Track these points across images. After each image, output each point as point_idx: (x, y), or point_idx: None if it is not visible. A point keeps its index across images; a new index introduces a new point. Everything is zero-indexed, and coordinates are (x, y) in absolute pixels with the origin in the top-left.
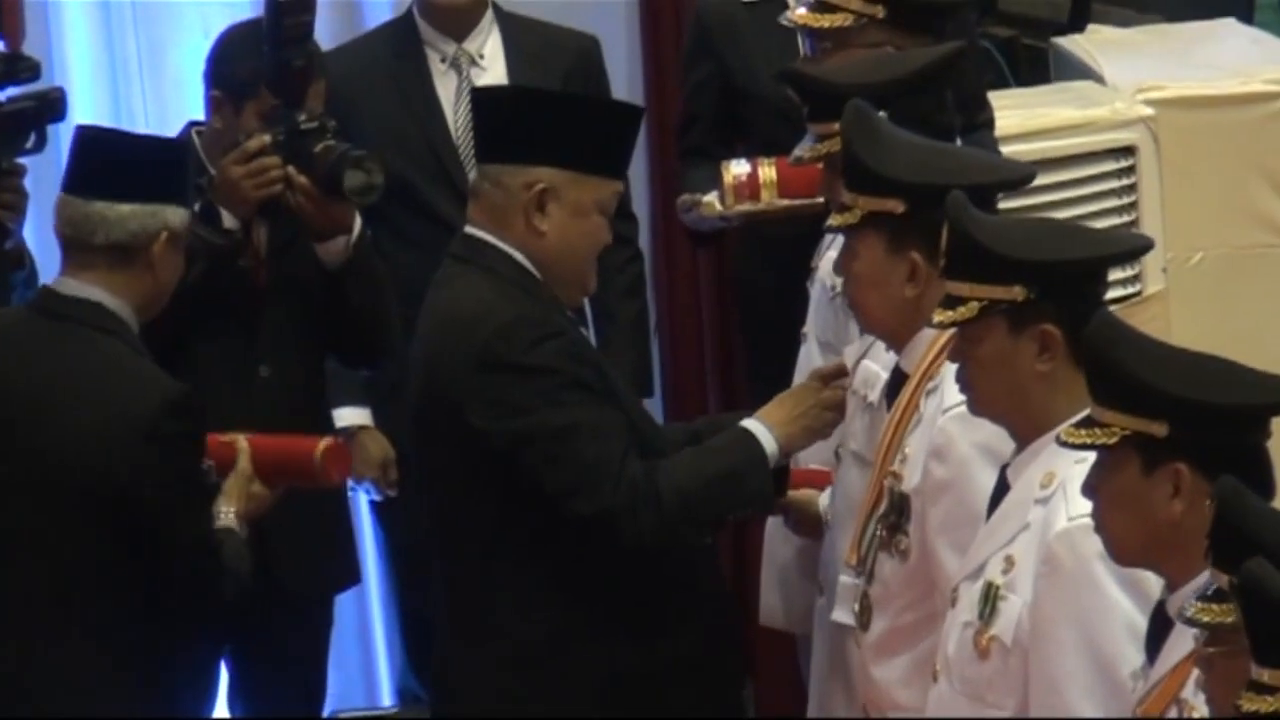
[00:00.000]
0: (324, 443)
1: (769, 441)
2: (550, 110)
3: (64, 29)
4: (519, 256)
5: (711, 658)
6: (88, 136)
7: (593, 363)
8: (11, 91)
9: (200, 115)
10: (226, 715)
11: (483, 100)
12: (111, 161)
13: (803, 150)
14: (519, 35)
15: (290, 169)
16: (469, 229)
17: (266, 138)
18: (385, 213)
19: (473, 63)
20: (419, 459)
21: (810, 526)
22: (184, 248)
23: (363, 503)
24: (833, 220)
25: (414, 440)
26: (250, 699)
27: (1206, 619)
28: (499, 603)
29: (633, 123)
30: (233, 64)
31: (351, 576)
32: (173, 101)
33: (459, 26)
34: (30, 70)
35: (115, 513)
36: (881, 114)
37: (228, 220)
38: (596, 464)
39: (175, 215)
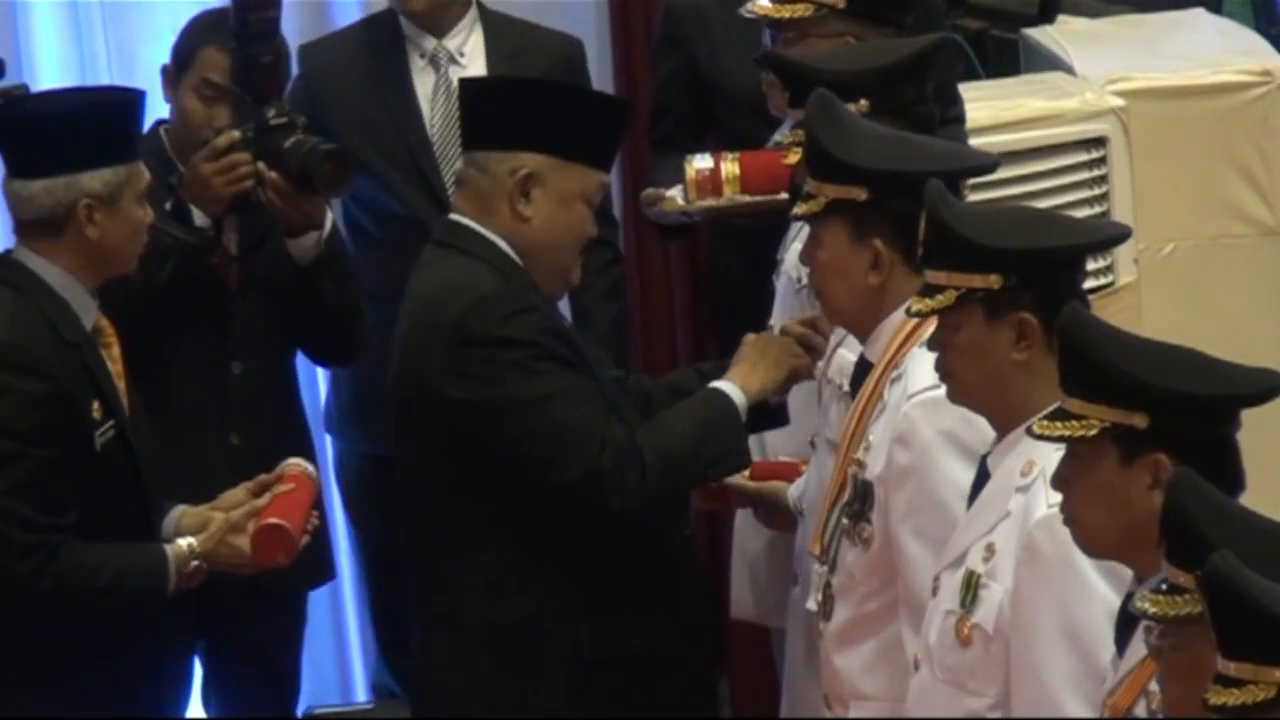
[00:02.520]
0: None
1: (736, 393)
2: (537, 97)
3: (32, 27)
4: (502, 244)
5: (684, 646)
6: (4, 115)
7: (567, 337)
8: None
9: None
10: (200, 714)
11: (470, 89)
12: (22, 138)
13: (782, 135)
14: (501, 34)
15: (260, 165)
16: (453, 216)
17: (236, 133)
18: (357, 209)
19: (452, 60)
20: (395, 446)
21: (780, 519)
22: (131, 203)
23: (335, 500)
24: (797, 209)
25: (390, 427)
26: (224, 696)
27: (1154, 610)
28: (469, 586)
29: (620, 115)
30: (183, 36)
31: (326, 572)
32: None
33: (438, 23)
34: None
35: None
36: (863, 102)
37: (198, 218)
38: (578, 429)
39: (94, 180)
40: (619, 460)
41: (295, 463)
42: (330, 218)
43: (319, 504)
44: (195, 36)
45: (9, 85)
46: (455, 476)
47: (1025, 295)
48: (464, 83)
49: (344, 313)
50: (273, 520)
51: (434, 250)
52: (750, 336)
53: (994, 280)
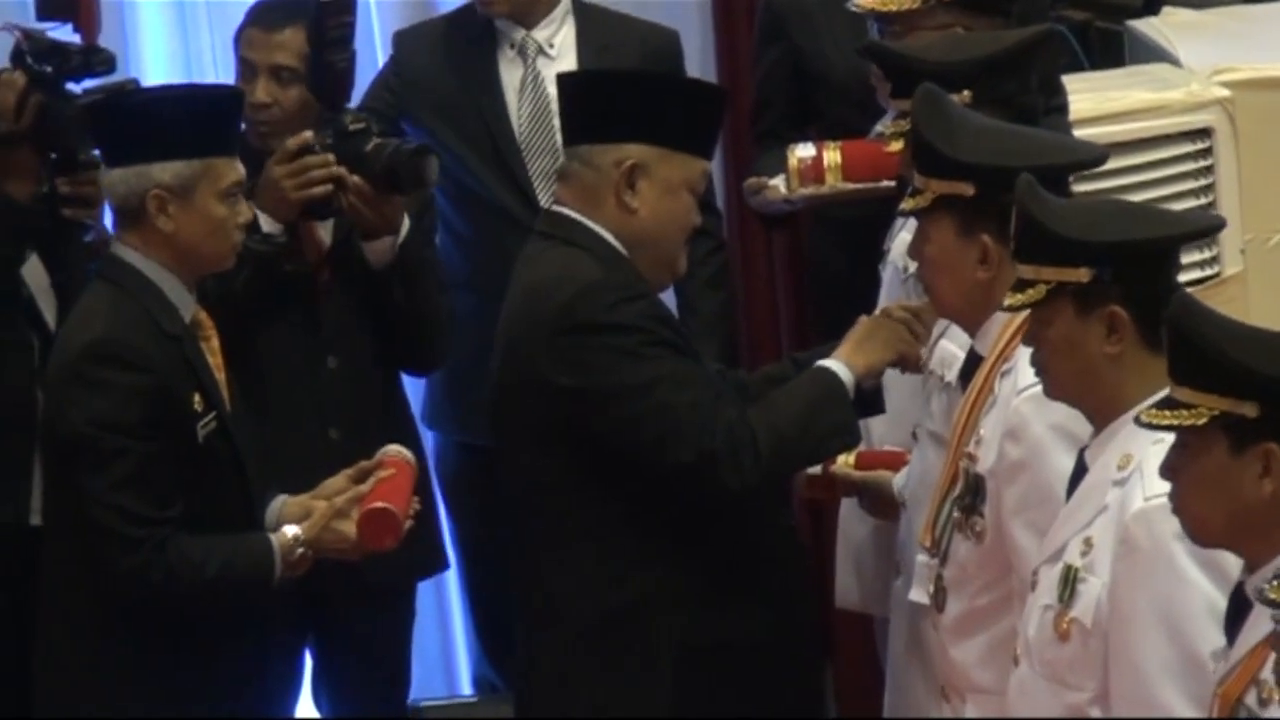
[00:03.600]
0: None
1: (843, 370)
2: (638, 88)
3: (139, 24)
4: (607, 235)
5: (790, 636)
6: (97, 107)
7: (673, 323)
8: (88, 84)
9: None
10: (311, 712)
11: (569, 83)
12: (107, 129)
13: (884, 126)
14: (594, 27)
15: (342, 169)
16: (556, 207)
17: (309, 135)
18: (443, 199)
19: (540, 52)
20: (498, 437)
21: (884, 508)
22: (208, 198)
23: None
24: (905, 204)
25: (496, 419)
26: (334, 692)
27: (1275, 597)
28: (575, 576)
29: (718, 103)
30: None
31: (438, 563)
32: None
33: (528, 16)
34: (105, 63)
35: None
36: (966, 93)
37: (266, 224)
38: (690, 412)
39: (164, 171)
40: (732, 440)
41: (394, 449)
42: (406, 224)
43: (428, 493)
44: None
45: (120, 81)
46: (563, 466)
47: (1115, 288)
48: (562, 78)
49: (418, 321)
50: (379, 504)
51: (538, 242)
52: (863, 318)
53: (1083, 274)
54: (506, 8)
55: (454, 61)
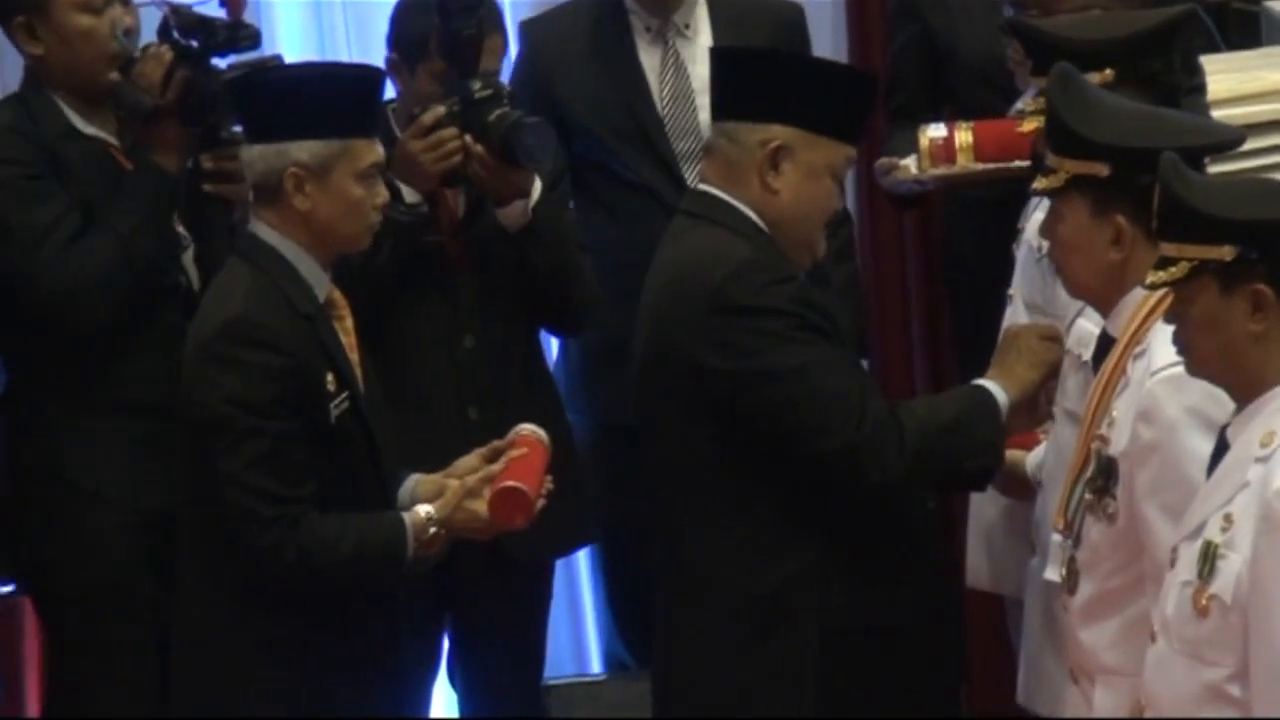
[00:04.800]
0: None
1: (998, 391)
2: (789, 70)
3: (274, 4)
4: (751, 214)
5: (932, 618)
6: (238, 82)
7: (822, 308)
8: (233, 60)
9: None
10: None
11: (723, 58)
12: (252, 104)
13: (1024, 104)
14: (724, 4)
15: (467, 138)
16: (702, 185)
17: (441, 109)
18: (588, 183)
19: (679, 34)
20: (644, 417)
21: (1017, 487)
22: (345, 178)
23: None
24: (1038, 184)
25: (640, 398)
26: (469, 670)
27: None
28: (722, 556)
29: (869, 89)
30: (404, 25)
31: (581, 538)
32: None
33: (665, 6)
34: (251, 39)
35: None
36: (1108, 71)
37: (409, 195)
38: (837, 399)
39: (301, 150)
40: (878, 432)
41: (527, 428)
42: (538, 185)
43: (573, 470)
44: (422, 23)
45: (265, 57)
46: (710, 445)
47: (1260, 266)
48: (715, 51)
49: (563, 279)
50: (510, 483)
51: (683, 220)
52: (1001, 337)
53: (1227, 252)
54: (678, 4)
55: (590, 47)
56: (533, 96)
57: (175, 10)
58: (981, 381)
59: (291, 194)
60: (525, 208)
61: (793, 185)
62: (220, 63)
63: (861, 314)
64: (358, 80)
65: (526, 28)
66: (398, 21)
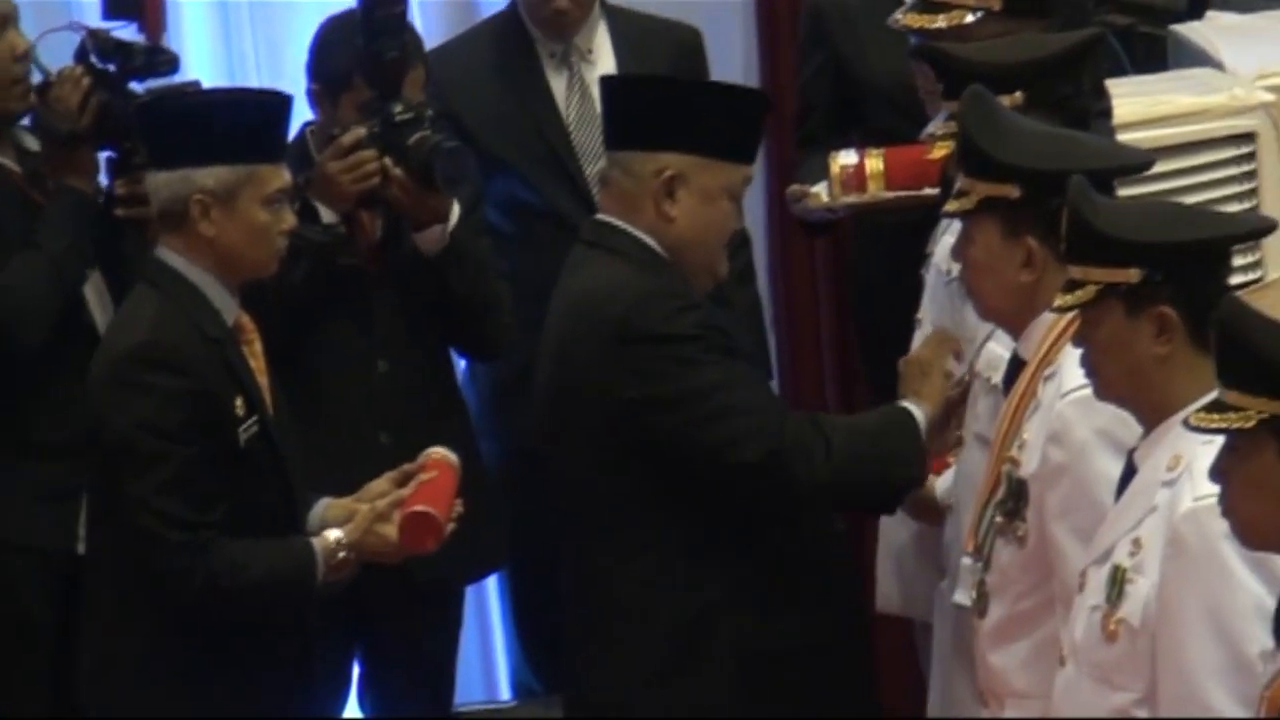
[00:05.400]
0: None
1: (914, 408)
2: (679, 96)
3: (183, 26)
4: (650, 241)
5: (845, 638)
6: (144, 108)
7: (728, 332)
8: (152, 84)
9: None
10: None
11: (612, 88)
12: (153, 132)
13: (935, 128)
14: (624, 28)
15: (386, 161)
16: (600, 216)
17: (362, 131)
18: (493, 209)
19: (582, 58)
20: (549, 449)
21: (927, 511)
22: (251, 204)
23: None
24: (949, 206)
25: (543, 430)
26: (380, 696)
27: None
28: (636, 584)
29: (760, 109)
30: (328, 56)
31: (491, 563)
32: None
33: (565, 31)
34: (169, 64)
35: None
36: (1019, 94)
37: (327, 216)
38: (755, 411)
39: (208, 176)
40: (801, 435)
41: (438, 451)
42: (456, 210)
43: (485, 495)
44: (347, 55)
45: (184, 82)
46: (623, 474)
47: (1165, 289)
48: (605, 81)
49: (478, 305)
50: (419, 508)
51: (582, 250)
52: (902, 364)
53: (1133, 274)
54: (576, 29)
55: (496, 73)
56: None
57: (93, 34)
58: (901, 402)
59: (197, 220)
60: (443, 232)
61: (689, 212)
62: (138, 87)
63: (764, 337)
64: (264, 106)
65: (433, 56)
66: (321, 52)
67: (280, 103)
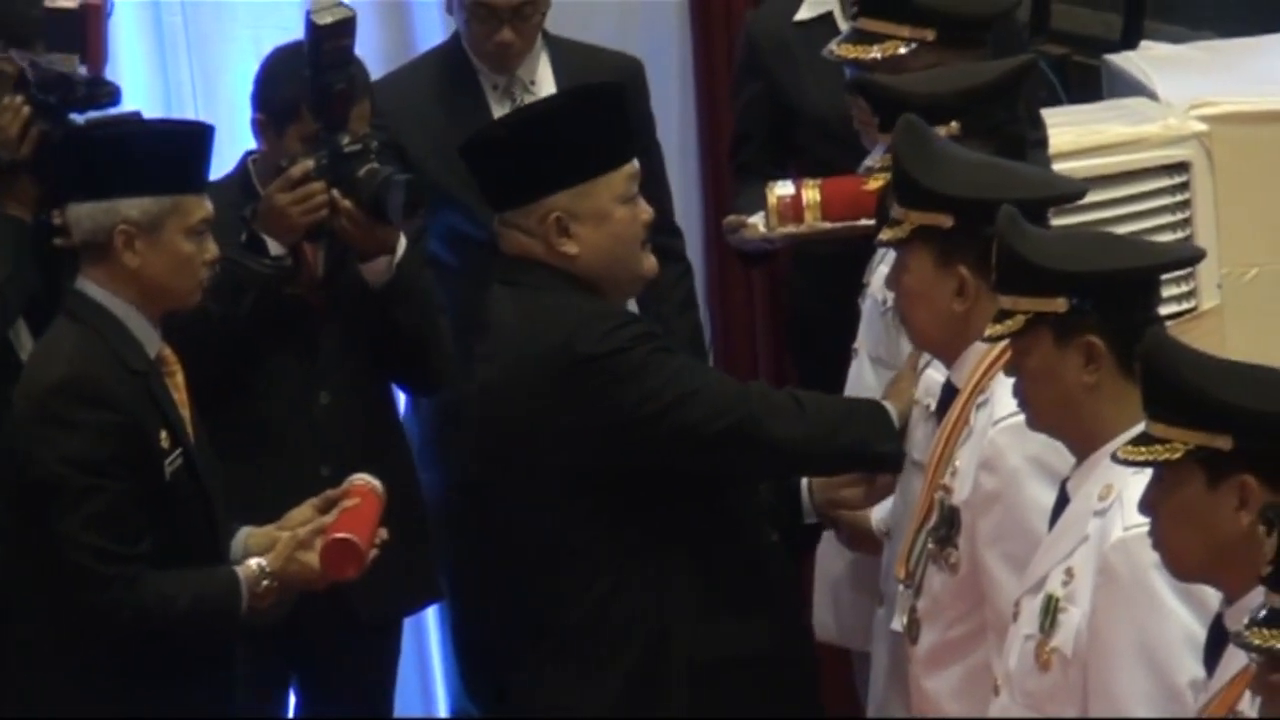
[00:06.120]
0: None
1: (885, 402)
2: (531, 139)
3: (118, 55)
4: (565, 267)
5: (790, 647)
6: (63, 140)
7: (664, 337)
8: (93, 115)
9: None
10: None
11: (472, 154)
12: (74, 163)
13: (873, 161)
14: (566, 58)
15: (335, 193)
16: (509, 253)
17: (310, 163)
18: (436, 242)
19: (525, 89)
20: (488, 481)
21: (862, 541)
22: (175, 235)
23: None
24: (883, 235)
25: (482, 466)
26: None
27: (1256, 642)
28: (584, 607)
29: (610, 101)
30: (275, 87)
31: (428, 595)
32: (226, 127)
33: (507, 64)
34: (109, 95)
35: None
36: (954, 124)
37: (274, 248)
38: (716, 386)
39: (132, 208)
40: (768, 397)
41: (361, 478)
42: (403, 242)
43: (421, 527)
44: (294, 87)
45: (125, 113)
46: (581, 501)
47: (1092, 318)
48: (464, 151)
49: (421, 339)
50: (340, 535)
51: (503, 290)
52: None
53: (1060, 304)
54: (519, 61)
55: (440, 105)
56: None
57: (34, 65)
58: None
59: (121, 251)
60: (390, 264)
61: (589, 241)
62: (79, 119)
63: (706, 363)
64: (187, 136)
65: (377, 88)
66: (267, 83)
67: (202, 133)
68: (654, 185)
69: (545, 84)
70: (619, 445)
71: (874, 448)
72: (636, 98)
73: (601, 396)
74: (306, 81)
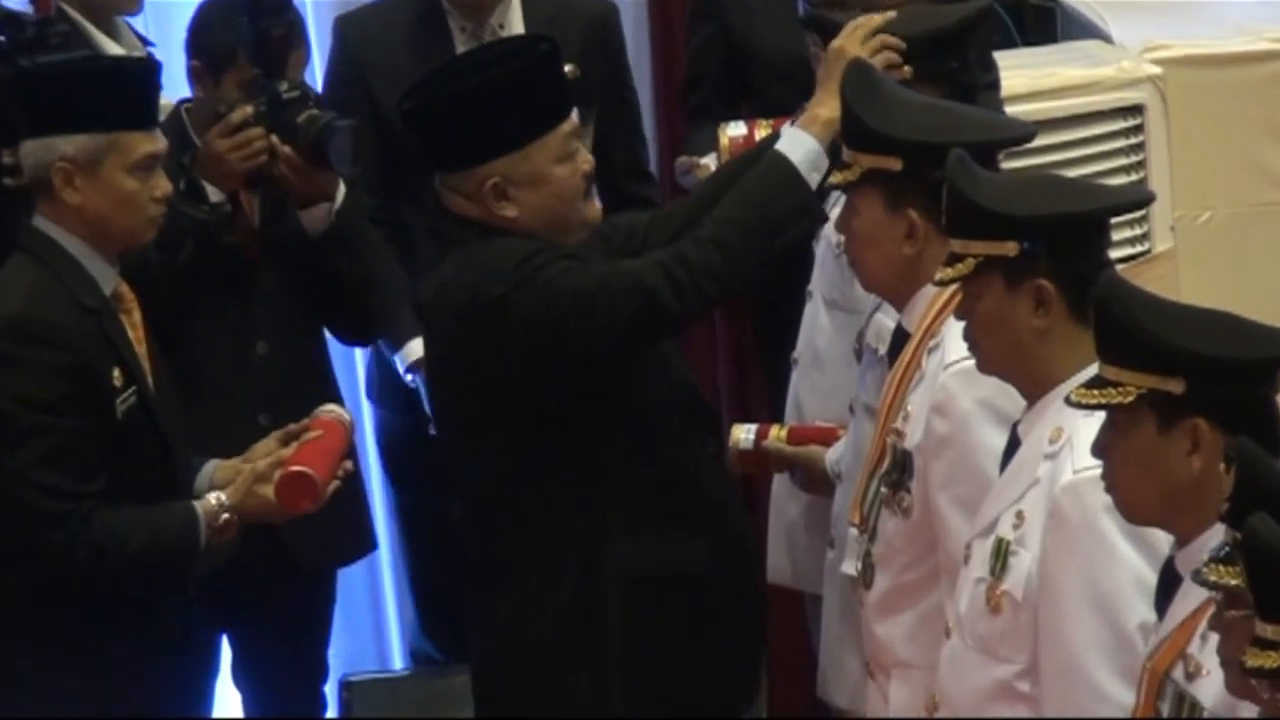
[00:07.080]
0: (278, 476)
1: (794, 148)
2: (466, 109)
3: None
4: (504, 227)
5: (733, 563)
6: (12, 78)
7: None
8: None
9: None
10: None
11: (409, 119)
12: (20, 101)
13: None
14: (538, 4)
15: (274, 139)
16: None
17: (249, 109)
18: (407, 184)
19: (494, 34)
20: (443, 429)
21: (817, 483)
22: (116, 171)
23: (373, 466)
24: (833, 177)
25: (437, 411)
26: (253, 674)
27: (1215, 579)
28: (529, 525)
29: (546, 65)
30: (211, 34)
31: (364, 546)
32: (167, 77)
33: (480, 11)
34: (59, 38)
35: None
36: (907, 68)
37: (213, 194)
38: (604, 275)
39: (68, 144)
40: (658, 268)
41: (328, 409)
42: (342, 189)
43: (357, 476)
44: (231, 33)
45: (78, 55)
46: (506, 420)
47: (1042, 262)
48: (404, 116)
49: (361, 286)
50: (296, 468)
51: (454, 248)
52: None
53: (1010, 248)
54: (492, 10)
55: (408, 46)
56: (349, 95)
57: None
58: (778, 146)
59: (61, 188)
60: (329, 210)
61: (528, 203)
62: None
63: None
64: (130, 72)
65: (342, 24)
66: (201, 30)
67: (143, 69)
68: (627, 134)
69: (516, 29)
70: (526, 348)
71: (783, 242)
72: (611, 43)
73: (516, 329)
74: (243, 28)
